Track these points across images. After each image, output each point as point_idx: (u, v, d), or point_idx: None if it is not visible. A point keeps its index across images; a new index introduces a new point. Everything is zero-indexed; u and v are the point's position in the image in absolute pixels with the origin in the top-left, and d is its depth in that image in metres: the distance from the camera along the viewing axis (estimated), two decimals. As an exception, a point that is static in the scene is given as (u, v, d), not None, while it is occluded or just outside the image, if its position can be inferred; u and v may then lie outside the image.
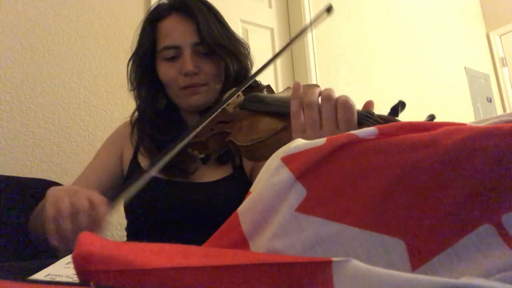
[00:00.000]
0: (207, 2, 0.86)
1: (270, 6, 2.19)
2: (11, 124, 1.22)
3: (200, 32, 0.79)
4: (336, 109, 0.51)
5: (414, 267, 0.27)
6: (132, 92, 0.89)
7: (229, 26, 0.87)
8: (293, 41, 0.75)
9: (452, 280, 0.20)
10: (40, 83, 1.29)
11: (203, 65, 0.81)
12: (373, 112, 0.52)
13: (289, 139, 0.56)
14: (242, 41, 0.89)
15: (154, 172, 0.58)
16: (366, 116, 0.51)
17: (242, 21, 2.00)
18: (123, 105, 1.44)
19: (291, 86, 0.77)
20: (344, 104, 0.50)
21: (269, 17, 2.16)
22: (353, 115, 0.50)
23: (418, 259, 0.27)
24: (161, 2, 0.87)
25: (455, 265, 0.26)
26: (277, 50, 2.16)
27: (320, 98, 0.53)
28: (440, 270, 0.26)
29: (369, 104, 0.54)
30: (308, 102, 0.53)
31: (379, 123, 0.49)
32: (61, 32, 1.36)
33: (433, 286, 0.19)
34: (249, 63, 0.89)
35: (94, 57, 1.42)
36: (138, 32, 0.88)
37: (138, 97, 0.88)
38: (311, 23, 0.73)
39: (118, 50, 1.47)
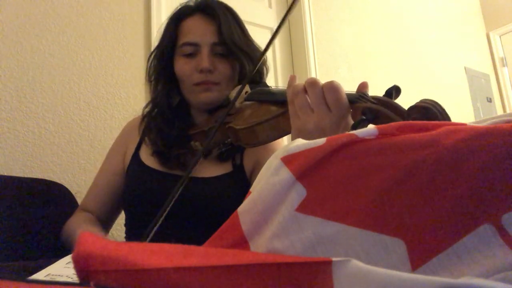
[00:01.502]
0: (231, 8, 0.90)
1: (270, 6, 2.19)
2: (11, 124, 1.22)
3: (220, 33, 0.83)
4: (323, 93, 0.54)
5: (414, 267, 0.27)
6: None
7: (249, 34, 0.91)
8: (289, 12, 0.76)
9: (452, 280, 0.20)
10: (40, 83, 1.29)
11: (219, 65, 0.84)
12: (367, 93, 0.54)
13: (286, 125, 0.58)
14: (260, 48, 0.92)
15: (190, 174, 0.61)
16: (360, 96, 0.53)
17: (242, 21, 2.00)
18: (123, 105, 1.44)
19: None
20: (329, 86, 0.54)
21: (269, 17, 2.16)
22: (340, 95, 0.53)
23: (418, 259, 0.27)
24: (187, 3, 0.90)
25: (455, 265, 0.26)
26: (277, 50, 2.17)
27: (305, 84, 0.57)
28: (440, 270, 0.26)
29: (363, 86, 0.58)
30: (295, 90, 0.57)
31: (373, 103, 0.51)
32: (61, 32, 1.36)
33: (433, 286, 0.19)
34: (264, 69, 0.92)
35: (94, 57, 1.42)
36: (162, 29, 0.92)
37: (154, 90, 0.91)
38: None
39: (118, 50, 1.47)
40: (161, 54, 0.88)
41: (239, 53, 0.83)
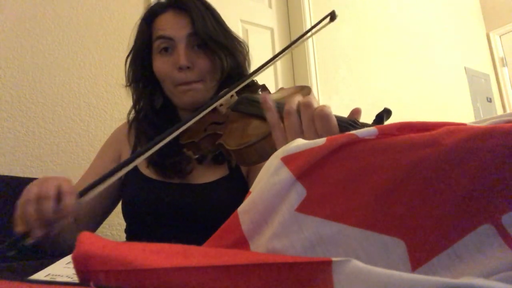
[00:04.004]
0: (204, 0, 0.86)
1: (270, 6, 2.19)
2: (11, 124, 1.22)
3: (193, 24, 0.80)
4: (313, 119, 0.50)
5: (414, 267, 0.27)
6: (129, 89, 0.89)
7: (225, 24, 0.87)
8: (292, 45, 0.74)
9: (452, 280, 0.20)
10: (40, 83, 1.29)
11: (197, 60, 0.81)
12: (358, 120, 0.51)
13: None
14: (239, 39, 0.88)
15: (134, 163, 0.57)
16: (349, 124, 0.50)
17: (242, 21, 2.00)
18: (123, 105, 1.44)
19: (284, 87, 0.76)
20: (320, 114, 0.49)
21: (269, 17, 2.16)
22: (330, 124, 0.49)
23: (418, 259, 0.27)
24: (158, 0, 0.87)
25: (455, 265, 0.26)
26: (277, 50, 2.16)
27: (299, 105, 0.52)
28: (440, 270, 0.26)
29: (355, 112, 0.53)
30: (288, 109, 0.51)
31: None
32: (61, 32, 1.36)
33: (433, 286, 0.19)
34: (246, 62, 0.88)
35: (94, 57, 1.42)
36: (136, 30, 0.89)
37: (135, 94, 0.88)
38: (312, 29, 0.72)
39: (118, 50, 1.47)
40: (136, 55, 0.86)
41: (214, 44, 0.80)
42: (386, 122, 0.50)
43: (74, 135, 1.33)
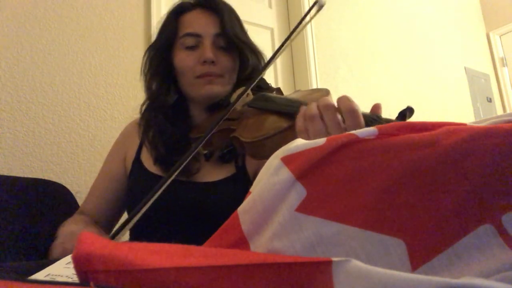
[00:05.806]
0: (230, 5, 0.91)
1: (270, 6, 2.19)
2: (11, 124, 1.22)
3: (222, 24, 0.83)
4: (338, 116, 0.51)
5: (414, 267, 0.27)
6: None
7: (247, 33, 0.91)
8: (290, 36, 0.75)
9: (452, 280, 0.20)
10: (40, 83, 1.29)
11: (221, 58, 0.84)
12: (380, 115, 0.52)
13: (294, 138, 0.56)
14: (258, 48, 0.92)
15: (172, 177, 0.56)
16: (373, 119, 0.51)
17: (242, 21, 2.01)
18: (123, 105, 1.44)
19: (301, 89, 0.77)
20: (350, 111, 0.50)
21: (269, 17, 2.16)
22: (360, 120, 0.50)
23: (418, 259, 0.27)
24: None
25: (455, 265, 0.26)
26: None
27: (319, 108, 0.53)
28: (440, 270, 0.26)
29: (377, 107, 0.55)
30: (309, 115, 0.53)
31: None
32: (61, 32, 1.36)
33: (433, 286, 0.19)
34: (262, 62, 0.91)
35: (94, 57, 1.42)
36: (161, 23, 0.90)
37: (150, 87, 0.89)
38: (303, 20, 0.73)
39: (118, 50, 1.47)
40: (159, 48, 0.87)
41: (241, 44, 0.84)
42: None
43: (74, 135, 1.33)
